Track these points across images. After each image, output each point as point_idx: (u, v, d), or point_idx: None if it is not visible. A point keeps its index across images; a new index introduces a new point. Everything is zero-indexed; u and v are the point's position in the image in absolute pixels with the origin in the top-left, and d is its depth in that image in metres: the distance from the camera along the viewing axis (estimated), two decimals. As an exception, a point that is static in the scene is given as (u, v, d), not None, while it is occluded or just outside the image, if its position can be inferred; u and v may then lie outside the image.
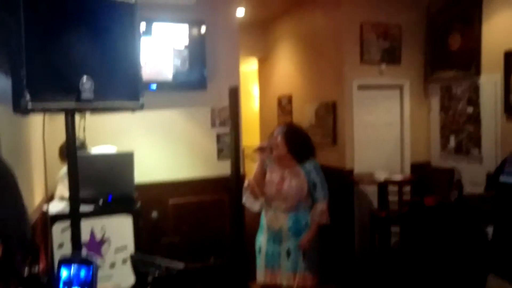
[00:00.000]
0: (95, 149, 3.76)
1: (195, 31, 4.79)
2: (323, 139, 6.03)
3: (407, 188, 5.25)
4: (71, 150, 1.68)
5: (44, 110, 1.46)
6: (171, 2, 4.65)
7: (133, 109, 1.67)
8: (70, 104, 1.49)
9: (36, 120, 3.18)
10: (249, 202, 3.18)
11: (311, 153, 3.15)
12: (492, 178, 4.26)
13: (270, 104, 8.17)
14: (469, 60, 5.28)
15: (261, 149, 3.10)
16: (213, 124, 5.08)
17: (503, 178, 3.71)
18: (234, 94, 4.51)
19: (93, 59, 1.55)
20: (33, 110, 1.41)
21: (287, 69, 7.42)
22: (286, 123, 3.41)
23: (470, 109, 5.35)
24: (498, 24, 4.97)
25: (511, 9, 4.81)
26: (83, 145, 3.66)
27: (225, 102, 4.77)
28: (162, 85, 4.70)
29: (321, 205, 3.04)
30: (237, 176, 4.49)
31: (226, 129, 5.02)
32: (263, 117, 8.78)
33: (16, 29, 1.37)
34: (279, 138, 3.07)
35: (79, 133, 2.60)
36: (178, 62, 4.75)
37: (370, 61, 5.70)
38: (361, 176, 5.57)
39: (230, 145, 4.70)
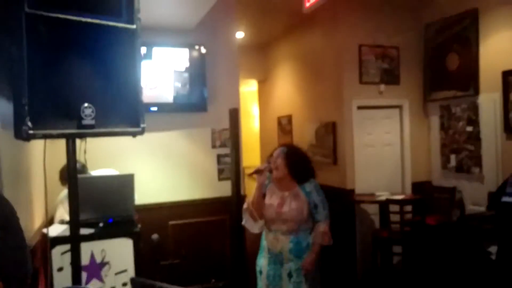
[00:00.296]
0: (96, 172, 3.76)
1: (195, 54, 4.85)
2: (323, 159, 6.03)
3: (408, 208, 5.23)
4: (71, 174, 1.69)
5: (45, 136, 1.47)
6: (171, 26, 4.70)
7: (134, 134, 1.69)
8: (71, 130, 1.51)
9: (37, 143, 3.19)
10: (249, 224, 3.16)
11: (311, 174, 3.14)
12: (493, 198, 4.25)
13: (270, 124, 8.20)
14: (468, 80, 5.32)
15: (258, 172, 3.07)
16: (213, 145, 5.09)
17: (505, 199, 3.70)
18: (234, 116, 4.52)
19: (94, 85, 1.57)
20: (34, 137, 1.42)
21: (287, 90, 7.47)
22: (285, 144, 3.38)
23: (470, 128, 5.36)
24: (495, 44, 5.03)
25: (507, 30, 4.87)
26: (84, 168, 3.66)
27: (225, 123, 4.79)
28: (163, 107, 4.73)
29: (323, 226, 3.02)
30: (238, 196, 4.48)
31: (226, 150, 5.03)
32: (263, 137, 8.80)
33: (19, 57, 1.39)
34: (279, 160, 3.06)
35: (79, 155, 2.61)
36: (178, 84, 4.79)
37: (369, 82, 5.75)
38: (363, 195, 5.56)
39: (231, 166, 4.69)
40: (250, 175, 3.13)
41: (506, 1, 4.85)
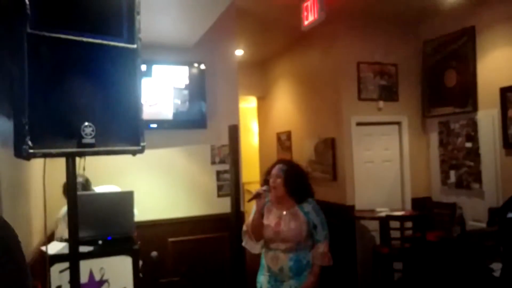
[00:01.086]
0: (99, 189, 3.76)
1: (195, 71, 4.89)
2: (323, 175, 6.03)
3: (409, 224, 5.21)
4: (71, 192, 1.69)
5: (45, 155, 1.47)
6: (171, 44, 4.75)
7: (134, 153, 1.69)
8: (71, 149, 1.51)
9: (37, 160, 3.19)
10: (250, 245, 3.12)
11: (309, 194, 3.11)
12: (497, 214, 4.24)
13: (269, 140, 8.22)
14: (466, 96, 5.36)
15: (258, 196, 3.02)
16: (213, 162, 5.10)
17: (511, 215, 3.69)
18: (234, 132, 4.54)
19: (94, 104, 1.58)
20: (34, 156, 1.43)
21: (286, 106, 7.50)
22: (284, 160, 3.32)
23: (469, 144, 5.38)
24: (492, 61, 5.07)
25: (504, 47, 4.93)
26: (87, 183, 3.67)
27: (224, 139, 4.80)
28: (163, 124, 4.75)
29: (322, 247, 2.98)
30: (237, 213, 4.47)
31: (226, 166, 5.04)
32: (262, 152, 8.81)
33: (20, 77, 1.40)
34: (278, 181, 3.03)
35: (79, 171, 2.61)
36: (178, 101, 4.82)
37: (367, 98, 5.78)
38: (363, 212, 5.55)
39: (230, 182, 4.69)
40: (250, 200, 3.05)
41: (502, 18, 4.92)
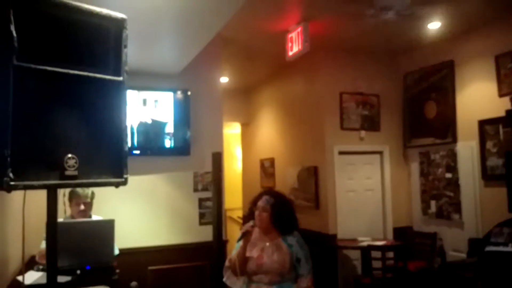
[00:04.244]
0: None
1: (179, 98, 4.90)
2: (305, 203, 6.04)
3: (390, 253, 5.22)
4: (51, 224, 1.66)
5: (27, 187, 1.45)
6: (156, 71, 4.77)
7: (116, 185, 1.68)
8: (54, 181, 1.49)
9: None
10: (230, 281, 3.06)
11: (295, 227, 3.09)
12: (476, 246, 4.31)
13: (252, 167, 8.22)
14: (445, 128, 5.47)
15: (246, 233, 2.98)
16: (195, 189, 5.06)
17: (489, 248, 3.75)
18: (218, 159, 4.53)
19: (78, 135, 1.57)
20: (16, 188, 1.40)
21: (270, 133, 7.55)
22: (270, 191, 3.28)
23: (449, 175, 5.47)
24: (471, 94, 5.22)
25: (481, 81, 5.08)
26: (93, 195, 3.65)
27: (208, 166, 4.79)
28: (145, 151, 4.72)
29: (306, 281, 2.93)
30: (219, 242, 4.42)
31: (208, 194, 5.01)
32: (245, 178, 8.79)
33: (4, 109, 1.39)
34: (264, 214, 2.99)
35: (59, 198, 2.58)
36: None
37: (350, 128, 5.87)
38: (345, 241, 5.55)
39: (213, 210, 4.65)
40: (239, 240, 3.01)
41: (480, 53, 5.08)
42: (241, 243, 2.99)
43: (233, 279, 3.06)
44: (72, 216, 3.55)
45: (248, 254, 2.98)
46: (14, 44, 1.41)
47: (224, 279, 3.12)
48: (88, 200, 3.57)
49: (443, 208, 5.54)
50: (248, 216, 3.18)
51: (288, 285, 2.96)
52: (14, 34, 1.41)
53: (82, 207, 3.50)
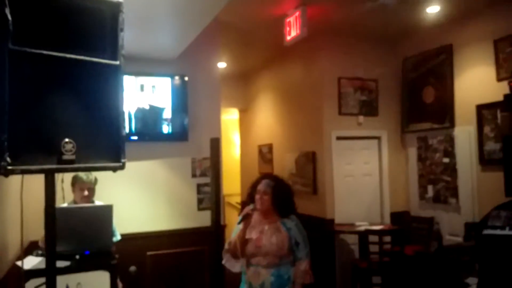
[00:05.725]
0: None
1: (177, 84, 4.88)
2: (303, 188, 6.06)
3: (387, 238, 5.26)
4: (49, 208, 1.66)
5: (24, 172, 1.45)
6: (154, 56, 4.74)
7: (114, 169, 1.68)
8: (51, 165, 1.49)
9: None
10: (229, 264, 3.10)
11: (293, 211, 3.12)
12: (472, 230, 4.33)
13: (251, 152, 8.23)
14: (443, 112, 5.47)
15: (246, 217, 2.99)
16: (193, 175, 5.07)
17: (487, 231, 3.78)
18: (216, 145, 4.53)
19: (76, 120, 1.56)
20: (13, 172, 1.40)
21: (268, 119, 7.54)
22: (269, 175, 3.32)
23: (446, 160, 5.48)
24: (469, 78, 5.20)
25: (480, 66, 5.06)
26: (95, 180, 3.63)
27: (206, 152, 4.78)
28: (143, 137, 4.72)
29: (304, 264, 2.98)
30: (217, 227, 4.44)
31: (206, 179, 5.02)
32: (244, 164, 8.81)
33: (0, 93, 1.38)
34: (266, 197, 3.02)
35: (57, 184, 2.58)
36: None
37: (348, 113, 5.86)
38: (342, 225, 5.58)
39: (211, 196, 4.67)
40: (240, 223, 3.03)
41: (479, 37, 5.05)
42: (241, 225, 3.02)
43: (232, 261, 3.09)
44: (75, 202, 3.55)
45: (247, 236, 3.01)
46: (9, 28, 1.39)
47: (223, 262, 3.16)
48: (92, 185, 3.56)
49: (440, 193, 5.57)
50: (248, 201, 3.21)
51: (286, 268, 2.99)
52: (9, 17, 1.40)
53: (86, 192, 3.49)
